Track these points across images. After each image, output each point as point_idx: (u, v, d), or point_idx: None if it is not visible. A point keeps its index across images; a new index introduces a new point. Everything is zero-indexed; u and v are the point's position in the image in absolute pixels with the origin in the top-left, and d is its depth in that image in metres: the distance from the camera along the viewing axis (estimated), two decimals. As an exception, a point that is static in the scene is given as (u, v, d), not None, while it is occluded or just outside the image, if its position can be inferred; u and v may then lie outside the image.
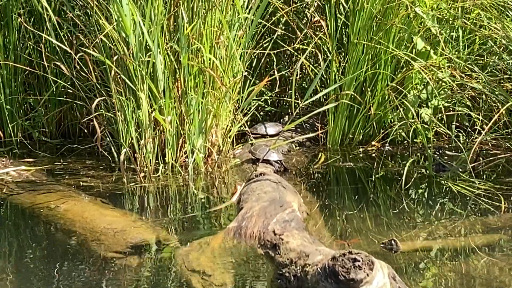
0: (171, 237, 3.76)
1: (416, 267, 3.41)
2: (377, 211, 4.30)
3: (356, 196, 4.63)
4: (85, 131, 5.76)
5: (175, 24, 4.95)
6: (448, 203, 4.44)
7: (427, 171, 4.95)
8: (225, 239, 3.56)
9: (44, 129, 5.82)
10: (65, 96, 5.69)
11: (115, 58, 4.76)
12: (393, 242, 3.59)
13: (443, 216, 4.20)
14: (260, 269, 3.33)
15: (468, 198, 4.45)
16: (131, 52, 4.74)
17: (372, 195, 4.64)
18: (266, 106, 6.18)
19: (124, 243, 3.62)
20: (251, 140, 5.25)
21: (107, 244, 3.62)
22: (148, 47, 4.78)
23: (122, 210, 4.20)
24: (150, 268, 3.42)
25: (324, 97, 5.63)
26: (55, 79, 5.44)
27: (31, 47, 5.61)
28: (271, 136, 5.37)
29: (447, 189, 4.65)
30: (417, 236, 3.85)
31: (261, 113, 6.13)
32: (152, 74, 4.84)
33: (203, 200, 4.53)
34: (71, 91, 5.43)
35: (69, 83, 5.43)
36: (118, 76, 4.83)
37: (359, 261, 2.72)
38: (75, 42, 5.23)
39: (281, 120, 5.92)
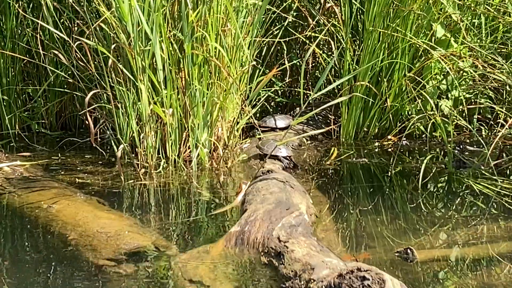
0: (169, 243, 3.49)
1: (434, 279, 3.15)
2: (392, 213, 4.04)
3: (370, 196, 4.37)
4: (87, 122, 5.46)
5: (179, 10, 4.68)
6: (468, 204, 4.19)
7: (447, 168, 4.70)
8: (227, 246, 3.30)
9: (43, 121, 5.64)
10: (65, 86, 5.50)
11: (113, 46, 4.50)
12: (409, 251, 3.33)
13: (463, 219, 3.92)
14: (262, 281, 3.06)
15: (490, 198, 4.20)
16: (131, 40, 4.49)
17: (387, 194, 4.38)
18: (277, 97, 5.98)
19: (117, 250, 3.35)
20: (259, 134, 4.99)
21: (99, 250, 3.36)
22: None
23: (118, 211, 3.93)
24: (144, 278, 3.16)
25: (338, 87, 5.39)
26: (54, 69, 5.22)
27: (30, 34, 5.38)
28: (281, 129, 5.12)
29: (468, 187, 4.41)
30: (435, 243, 3.57)
31: (272, 104, 5.89)
32: (155, 64, 4.60)
33: (206, 200, 4.26)
34: (71, 81, 5.21)
35: (69, 72, 5.22)
36: (120, 66, 4.61)
37: (368, 279, 2.45)
38: (75, 29, 5.00)
39: (292, 112, 5.69)
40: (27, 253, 3.47)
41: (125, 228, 3.60)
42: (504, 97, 5.32)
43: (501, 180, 4.40)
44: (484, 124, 5.41)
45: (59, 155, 5.02)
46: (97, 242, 3.44)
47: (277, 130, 5.15)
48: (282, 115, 5.36)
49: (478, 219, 3.90)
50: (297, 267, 2.89)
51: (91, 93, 4.41)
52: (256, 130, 5.13)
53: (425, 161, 4.48)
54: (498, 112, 5.23)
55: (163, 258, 3.33)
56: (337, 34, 5.49)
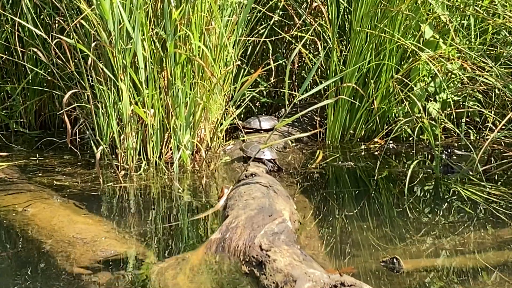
0: (148, 250, 3.37)
1: (421, 290, 3.05)
2: (378, 219, 3.95)
3: (356, 201, 4.28)
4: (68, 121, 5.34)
5: (162, 8, 4.57)
6: (456, 210, 4.11)
7: (434, 173, 4.62)
8: (207, 254, 3.19)
9: (21, 120, 5.51)
10: (45, 85, 5.38)
11: (93, 44, 4.38)
12: (395, 260, 3.24)
13: (451, 226, 3.83)
14: (244, 292, 2.95)
15: (478, 204, 4.12)
16: (112, 39, 4.37)
17: (373, 199, 4.29)
18: (262, 97, 5.89)
19: (93, 257, 3.24)
20: (243, 136, 4.88)
21: (74, 257, 3.25)
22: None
23: (96, 216, 3.80)
24: (120, 287, 3.03)
25: (324, 88, 5.29)
26: (32, 67, 5.09)
27: (9, 31, 5.22)
28: (266, 131, 5.01)
29: (456, 193, 4.33)
30: (421, 251, 3.47)
31: (257, 104, 5.79)
32: (137, 63, 4.49)
33: (188, 204, 4.14)
34: (51, 79, 5.08)
35: (49, 70, 5.09)
36: (100, 64, 4.50)
37: (353, 295, 2.33)
38: (55, 26, 4.87)
39: (278, 113, 5.59)
40: (-1, 259, 3.35)
41: (102, 234, 3.49)
42: (493, 100, 5.23)
43: (490, 186, 4.32)
44: (472, 128, 5.35)
45: (37, 156, 4.90)
46: (72, 248, 3.33)
47: (262, 131, 5.04)
48: (267, 116, 5.25)
49: (466, 226, 3.81)
50: (279, 279, 2.79)
51: (69, 92, 4.29)
52: (240, 132, 5.02)
53: (411, 167, 4.39)
54: (487, 115, 5.16)
55: (140, 266, 3.22)
56: (323, 34, 5.39)
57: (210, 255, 3.19)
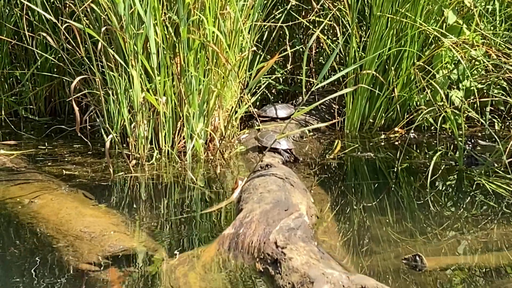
0: (158, 245, 3.23)
1: (444, 290, 2.91)
2: (398, 213, 3.80)
3: (375, 194, 4.14)
4: (78, 109, 5.21)
5: (175, -8, 4.47)
6: (481, 205, 3.95)
7: (457, 164, 4.48)
8: (219, 251, 3.05)
9: (31, 106, 5.43)
10: (55, 70, 5.29)
11: (103, 29, 4.25)
12: (417, 258, 3.09)
13: (475, 221, 3.67)
14: (258, 291, 2.82)
15: (503, 198, 3.95)
16: (123, 23, 4.25)
17: (393, 192, 4.15)
18: (278, 84, 5.79)
19: (101, 252, 3.11)
20: (258, 124, 4.74)
21: (81, 253, 3.12)
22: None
23: (105, 208, 3.67)
24: (129, 285, 2.90)
25: (343, 75, 5.15)
26: (41, 52, 4.97)
27: (18, 14, 5.11)
28: (282, 119, 4.88)
29: (480, 187, 4.17)
30: (445, 248, 3.32)
31: (273, 91, 5.66)
32: (149, 48, 4.38)
33: (201, 195, 4.02)
34: (61, 65, 4.99)
35: (60, 55, 4.99)
36: (110, 50, 4.40)
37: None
38: (66, 11, 4.75)
39: (294, 100, 5.49)
40: (3, 254, 3.21)
41: (111, 228, 3.36)
42: (519, 88, 5.17)
43: (516, 179, 4.19)
44: (497, 117, 5.25)
45: (46, 144, 4.81)
46: (79, 243, 3.20)
47: (278, 120, 4.90)
48: (283, 104, 5.14)
49: (491, 221, 3.66)
50: (295, 279, 2.67)
51: (77, 79, 4.15)
52: (255, 120, 4.90)
53: (433, 159, 4.26)
54: (512, 104, 5.09)
55: (150, 262, 3.08)
56: (342, 19, 5.34)
57: (223, 252, 3.05)
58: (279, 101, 5.50)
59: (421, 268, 3.04)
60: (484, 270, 3.10)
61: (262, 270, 2.89)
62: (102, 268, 3.01)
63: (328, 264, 2.80)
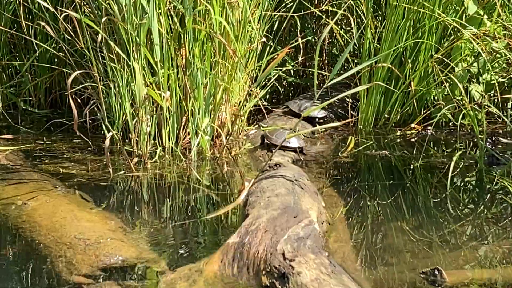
0: (157, 255, 3.05)
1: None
2: (416, 218, 3.66)
3: (391, 197, 3.95)
4: (79, 101, 5.08)
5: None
6: (504, 209, 3.77)
7: (477, 164, 4.34)
8: (223, 262, 2.86)
9: (30, 98, 5.32)
10: (56, 61, 5.17)
11: (103, 20, 4.12)
12: (436, 272, 2.93)
13: (500, 230, 3.48)
14: (264, 311, 2.63)
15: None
16: (124, 13, 4.13)
17: (410, 195, 3.98)
18: (288, 76, 5.70)
19: (96, 262, 2.92)
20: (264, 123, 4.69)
21: (74, 263, 2.94)
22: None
23: (103, 211, 3.50)
24: (124, 301, 2.72)
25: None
26: (40, 43, 4.88)
27: (17, 2, 5.00)
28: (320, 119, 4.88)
29: (503, 189, 4.00)
30: (467, 259, 3.14)
31: (284, 83, 5.56)
32: (152, 40, 4.27)
33: (206, 196, 3.88)
34: (61, 55, 4.89)
35: (60, 45, 4.87)
36: (111, 42, 4.28)
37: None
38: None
39: (305, 93, 5.46)
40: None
41: (107, 234, 3.18)
42: (543, 82, 5.09)
43: (541, 181, 4.04)
44: (519, 113, 5.17)
45: (45, 139, 4.68)
46: (73, 252, 3.01)
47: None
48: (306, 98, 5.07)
49: (516, 228, 3.46)
50: (304, 298, 2.46)
51: (74, 74, 3.98)
52: (264, 115, 4.79)
53: (453, 159, 4.09)
54: (536, 99, 4.98)
55: (148, 275, 2.90)
56: (357, 9, 5.29)
57: (227, 263, 2.86)
58: (298, 96, 5.46)
59: (441, 283, 2.88)
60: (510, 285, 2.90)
61: (269, 284, 2.71)
62: (96, 281, 2.82)
63: (340, 280, 2.62)
